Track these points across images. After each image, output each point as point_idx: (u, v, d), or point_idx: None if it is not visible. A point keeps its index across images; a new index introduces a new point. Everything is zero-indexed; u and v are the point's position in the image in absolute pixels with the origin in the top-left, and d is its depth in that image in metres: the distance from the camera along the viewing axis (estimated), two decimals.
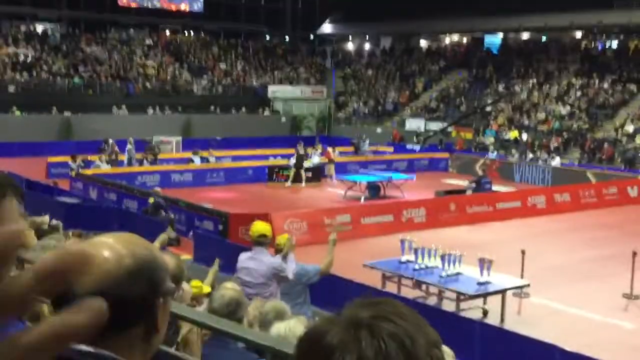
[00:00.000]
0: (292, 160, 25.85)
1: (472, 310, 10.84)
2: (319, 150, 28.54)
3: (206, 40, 48.02)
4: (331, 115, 44.03)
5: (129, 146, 26.70)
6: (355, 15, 48.53)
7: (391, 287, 11.62)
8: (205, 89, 42.29)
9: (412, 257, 11.70)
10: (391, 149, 34.45)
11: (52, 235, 5.60)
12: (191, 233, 15.98)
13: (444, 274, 11.06)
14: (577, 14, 37.51)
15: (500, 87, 39.98)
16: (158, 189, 18.18)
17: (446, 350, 3.57)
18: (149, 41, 44.85)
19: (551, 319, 11.40)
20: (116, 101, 37.94)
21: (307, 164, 26.08)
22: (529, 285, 11.61)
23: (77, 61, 39.72)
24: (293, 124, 42.29)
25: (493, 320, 10.82)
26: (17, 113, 34.69)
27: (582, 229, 19.00)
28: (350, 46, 53.39)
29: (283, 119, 42.36)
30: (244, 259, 7.58)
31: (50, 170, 25.47)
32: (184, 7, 48.09)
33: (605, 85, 36.28)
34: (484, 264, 10.78)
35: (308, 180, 25.36)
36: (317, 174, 26.05)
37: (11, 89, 35.98)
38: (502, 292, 11.08)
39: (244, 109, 41.80)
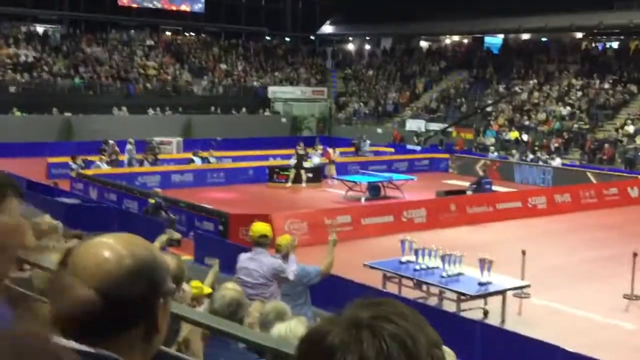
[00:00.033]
0: (292, 161, 25.87)
1: (472, 311, 10.83)
2: (320, 151, 28.55)
3: (207, 40, 48.05)
4: (332, 116, 44.04)
5: (129, 147, 26.71)
6: (356, 16, 48.55)
7: (392, 288, 11.61)
8: (205, 89, 42.30)
9: (412, 258, 11.70)
10: (392, 150, 34.45)
11: (52, 236, 5.59)
12: (191, 233, 15.98)
13: (444, 274, 11.06)
14: (578, 15, 37.52)
15: (501, 88, 39.98)
16: (158, 190, 18.18)
17: (447, 350, 3.56)
18: (149, 42, 44.87)
19: (552, 320, 11.39)
20: (117, 102, 37.95)
21: (307, 164, 26.09)
22: (529, 285, 11.60)
23: (77, 62, 39.74)
24: (293, 124, 42.29)
25: (494, 320, 10.82)
26: (18, 113, 34.69)
27: (582, 230, 19.00)
28: (350, 47, 53.42)
29: (283, 120, 42.36)
30: (243, 259, 7.58)
31: (51, 170, 25.48)
32: (184, 7, 48.10)
33: (606, 86, 36.28)
34: (485, 264, 10.78)
35: (308, 180, 25.36)
36: (318, 175, 26.05)
37: (12, 89, 35.98)
38: (503, 292, 11.08)
39: (244, 110, 41.80)
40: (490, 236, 17.59)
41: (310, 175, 25.60)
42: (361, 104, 44.27)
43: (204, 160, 26.80)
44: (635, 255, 12.32)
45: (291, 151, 26.85)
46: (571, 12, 37.13)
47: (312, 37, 53.98)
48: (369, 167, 28.06)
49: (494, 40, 46.66)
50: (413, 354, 1.01)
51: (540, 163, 29.21)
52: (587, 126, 33.68)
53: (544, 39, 44.03)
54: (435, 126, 38.43)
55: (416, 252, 11.63)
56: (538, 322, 11.08)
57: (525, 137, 34.04)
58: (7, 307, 1.57)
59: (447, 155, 32.03)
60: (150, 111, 38.24)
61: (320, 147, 29.80)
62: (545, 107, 36.34)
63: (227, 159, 28.44)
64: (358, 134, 35.56)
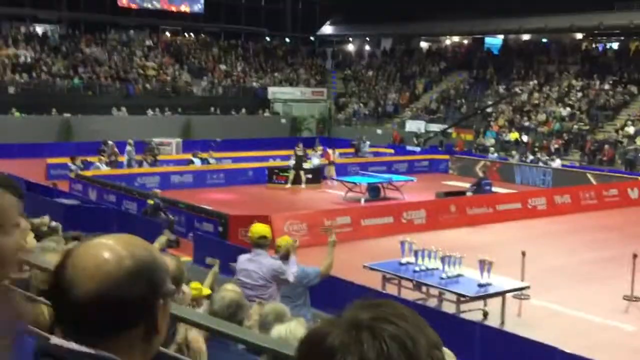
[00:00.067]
0: (291, 162, 25.88)
1: (472, 312, 10.83)
2: (319, 152, 28.55)
3: (206, 41, 48.06)
4: (331, 117, 44.05)
5: (128, 147, 26.70)
6: (356, 17, 48.60)
7: (391, 289, 11.61)
8: (205, 90, 42.31)
9: (412, 259, 11.70)
10: (391, 151, 34.46)
11: (52, 237, 5.59)
12: (191, 234, 15.98)
13: (444, 275, 11.06)
14: (578, 16, 37.55)
15: (501, 89, 39.99)
16: (157, 191, 18.18)
17: (447, 351, 3.56)
18: (148, 42, 44.88)
19: (551, 321, 11.39)
20: (116, 102, 37.95)
21: (307, 165, 26.10)
22: (529, 287, 11.59)
23: (76, 62, 39.75)
24: (293, 125, 42.30)
25: (493, 322, 10.82)
26: (17, 114, 34.69)
27: (582, 231, 19.01)
28: (350, 47, 53.45)
29: (283, 121, 42.37)
30: (243, 260, 7.57)
31: (50, 171, 25.47)
32: (184, 8, 48.11)
33: (606, 87, 36.30)
34: (484, 265, 10.77)
35: (308, 181, 25.37)
36: (317, 176, 26.05)
37: (11, 90, 35.98)
38: (503, 294, 11.08)
39: (244, 110, 41.81)
40: (490, 237, 17.60)
41: (309, 176, 25.61)
42: (361, 104, 44.28)
43: (204, 161, 26.80)
44: (635, 256, 12.32)
45: (291, 152, 26.86)
46: (571, 12, 37.15)
47: (312, 38, 54.01)
48: (368, 168, 28.06)
49: (494, 41, 46.69)
50: (413, 355, 1.01)
51: (540, 164, 29.22)
52: (587, 127, 33.69)
53: (544, 40, 44.07)
54: (435, 127, 38.44)
55: (416, 254, 11.63)
56: (538, 324, 11.08)
57: (525, 138, 34.05)
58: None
59: (447, 157, 32.04)
60: (150, 112, 38.25)
61: (320, 148, 29.82)
62: (546, 108, 36.35)
63: (226, 159, 28.45)
64: (358, 134, 35.57)
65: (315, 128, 42.76)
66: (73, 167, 23.54)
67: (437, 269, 11.34)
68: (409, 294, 11.27)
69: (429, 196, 21.96)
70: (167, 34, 48.15)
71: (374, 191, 23.27)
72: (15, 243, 1.68)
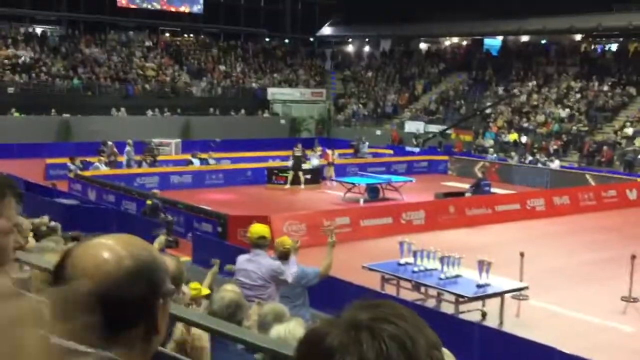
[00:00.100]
0: (290, 163, 25.89)
1: (471, 313, 10.83)
2: (319, 153, 28.55)
3: (205, 42, 48.05)
4: (330, 118, 44.05)
5: (127, 148, 26.68)
6: (355, 18, 48.62)
7: (390, 289, 11.61)
8: (204, 90, 42.29)
9: (411, 260, 11.70)
10: (390, 152, 34.46)
11: (51, 237, 5.59)
12: (190, 235, 15.97)
13: (443, 276, 11.06)
14: (577, 17, 37.57)
15: (500, 90, 40.01)
16: (156, 191, 18.18)
17: (446, 352, 3.56)
18: (148, 43, 44.88)
19: (550, 322, 11.39)
20: (115, 103, 37.94)
21: (306, 166, 26.10)
22: (527, 287, 11.59)
23: (76, 63, 39.73)
24: (292, 126, 42.30)
25: (492, 322, 10.82)
26: (16, 114, 34.68)
27: (581, 232, 19.01)
28: (349, 48, 53.45)
29: (282, 121, 42.37)
30: (242, 261, 7.57)
31: (49, 171, 25.45)
32: (183, 8, 48.09)
33: (605, 88, 36.32)
34: (483, 266, 10.78)
35: (307, 182, 25.36)
36: (316, 176, 26.05)
37: (10, 90, 35.97)
38: (501, 294, 11.08)
39: (243, 111, 41.79)
40: (488, 238, 17.60)
41: (308, 176, 25.61)
42: (360, 105, 44.29)
43: (203, 161, 26.79)
44: (633, 257, 12.33)
45: (290, 152, 26.87)
46: (570, 14, 37.17)
47: (311, 39, 54.00)
48: (367, 168, 28.06)
49: (493, 42, 46.71)
50: (412, 355, 1.01)
51: (539, 165, 29.23)
52: (586, 128, 33.70)
53: (543, 41, 44.09)
54: (434, 128, 38.45)
55: (415, 254, 11.63)
56: (536, 325, 11.08)
57: (524, 139, 34.06)
58: None
59: (446, 157, 32.06)
60: (149, 112, 38.23)
61: (320, 148, 29.81)
62: (544, 109, 36.37)
63: (225, 160, 28.44)
64: (357, 135, 35.57)
65: (314, 129, 42.76)
66: (72, 167, 23.53)
67: (436, 269, 11.34)
68: (408, 295, 11.27)
69: (428, 197, 21.96)
70: (167, 34, 48.13)
71: (373, 192, 23.27)
72: (13, 242, 1.68)
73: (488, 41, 46.94)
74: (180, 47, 46.10)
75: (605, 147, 31.15)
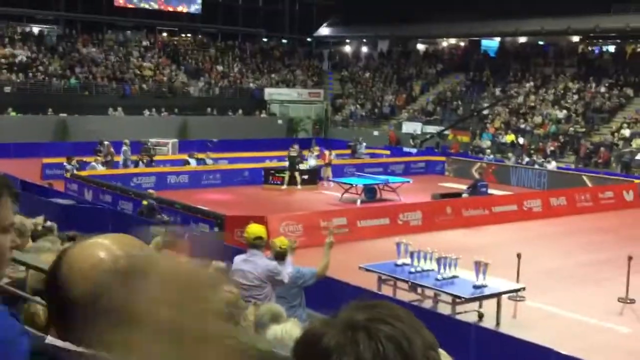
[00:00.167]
0: (286, 163, 25.93)
1: (467, 314, 10.83)
2: (316, 153, 28.56)
3: (203, 42, 48.05)
4: (328, 118, 44.06)
5: (124, 148, 26.66)
6: (353, 19, 48.63)
7: (387, 290, 11.60)
8: (201, 90, 42.28)
9: (408, 260, 11.70)
10: (388, 152, 34.47)
11: (47, 237, 5.58)
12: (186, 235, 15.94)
13: (439, 277, 11.06)
14: (574, 18, 37.61)
15: (497, 91, 40.06)
16: (152, 191, 18.17)
17: (443, 353, 3.56)
18: (145, 43, 44.85)
19: (547, 323, 11.40)
20: (112, 102, 37.90)
21: (303, 166, 26.11)
22: (524, 288, 11.60)
23: (73, 62, 39.70)
24: (290, 126, 42.30)
25: (489, 323, 10.82)
26: (13, 114, 34.64)
27: (578, 233, 19.03)
28: (347, 49, 53.48)
29: (280, 122, 42.37)
30: (238, 261, 7.57)
31: (45, 171, 25.43)
32: (181, 8, 48.09)
33: (602, 89, 36.37)
34: (480, 267, 10.78)
35: (304, 182, 25.36)
36: (314, 177, 26.05)
37: (7, 89, 35.93)
38: (498, 295, 11.09)
39: (240, 111, 41.78)
40: (485, 239, 17.61)
41: (306, 177, 25.62)
42: (357, 106, 44.31)
43: (200, 161, 26.78)
44: (630, 258, 12.34)
45: (286, 153, 26.87)
46: (568, 15, 37.22)
47: (309, 39, 54.01)
48: (364, 169, 28.06)
49: (491, 43, 46.75)
50: (409, 356, 1.01)
51: (536, 166, 29.25)
52: (583, 129, 33.75)
53: (540, 42, 44.14)
54: (432, 129, 38.48)
55: (411, 255, 11.63)
56: (533, 325, 11.08)
57: (521, 140, 34.09)
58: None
59: (443, 158, 32.08)
60: (146, 112, 38.20)
61: (317, 148, 29.82)
62: (542, 110, 36.41)
63: (223, 160, 28.44)
64: (354, 136, 35.58)
65: (311, 129, 42.77)
66: (69, 167, 23.50)
67: (432, 270, 11.34)
68: (405, 295, 11.27)
69: (425, 198, 21.97)
70: (164, 34, 48.11)
71: (370, 192, 23.28)
72: (10, 242, 1.68)
73: (485, 42, 46.99)
74: (177, 47, 46.08)
75: (602, 149, 31.19)
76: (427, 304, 11.41)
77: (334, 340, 1.01)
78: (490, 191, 23.31)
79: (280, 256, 7.71)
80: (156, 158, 27.96)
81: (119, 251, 1.30)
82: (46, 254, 3.64)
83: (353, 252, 14.73)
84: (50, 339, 1.29)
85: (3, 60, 37.43)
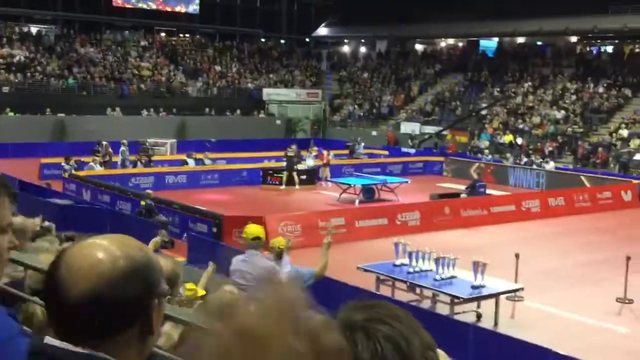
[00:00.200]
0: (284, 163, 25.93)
1: (466, 314, 10.84)
2: (315, 153, 28.55)
3: (201, 42, 48.02)
4: (326, 118, 44.05)
5: (122, 148, 26.64)
6: (351, 19, 48.63)
7: (385, 290, 11.61)
8: (200, 91, 42.26)
9: (406, 261, 11.70)
10: (386, 152, 34.47)
11: (45, 237, 5.58)
12: (185, 235, 15.95)
13: (438, 277, 11.06)
14: (572, 19, 37.63)
15: (496, 91, 40.06)
16: (150, 191, 18.16)
17: (441, 353, 3.56)
18: (143, 43, 44.81)
19: (545, 323, 11.41)
20: (110, 102, 37.87)
21: (301, 166, 26.10)
22: (522, 289, 11.61)
23: (71, 62, 39.67)
24: (288, 126, 42.29)
25: (487, 323, 10.82)
26: (11, 114, 34.60)
27: (576, 233, 19.04)
28: (345, 49, 53.47)
29: (278, 122, 42.37)
30: (237, 261, 7.57)
31: (43, 171, 25.40)
32: (179, 8, 48.07)
33: (600, 90, 36.39)
34: (478, 267, 10.79)
35: (302, 183, 25.36)
36: (312, 177, 26.05)
37: (5, 89, 35.89)
38: (496, 295, 11.09)
39: (238, 112, 41.77)
40: (484, 239, 17.61)
41: (304, 177, 25.61)
42: (356, 106, 44.31)
43: (198, 161, 26.76)
44: (628, 258, 12.35)
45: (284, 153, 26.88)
46: (566, 15, 37.23)
47: (307, 39, 54.00)
48: (363, 169, 28.06)
49: (489, 44, 46.76)
50: (407, 356, 1.01)
51: (534, 166, 29.26)
52: (581, 130, 33.77)
53: (538, 43, 44.14)
54: (430, 129, 38.49)
55: (410, 255, 11.63)
56: (531, 326, 11.09)
57: (519, 141, 34.11)
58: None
59: (441, 158, 32.09)
60: (144, 112, 38.17)
61: (316, 149, 29.82)
62: (540, 110, 36.42)
63: (221, 160, 28.43)
64: (353, 136, 35.58)
65: (310, 129, 42.77)
66: (67, 167, 23.47)
67: (431, 270, 11.35)
68: (403, 296, 11.28)
69: (423, 198, 21.97)
70: (162, 34, 48.07)
71: (368, 193, 23.28)
72: (8, 242, 1.68)
73: (484, 42, 47.01)
74: (175, 47, 46.05)
75: (600, 149, 31.21)
76: (426, 304, 11.41)
77: None
78: (488, 191, 23.29)
79: (277, 256, 7.72)
80: (154, 158, 27.94)
81: (118, 252, 1.30)
82: (44, 254, 3.64)
83: (351, 252, 14.73)
84: (48, 340, 1.28)
85: (1, 60, 37.40)
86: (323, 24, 52.69)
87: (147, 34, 46.25)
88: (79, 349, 1.25)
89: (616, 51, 40.59)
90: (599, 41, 42.84)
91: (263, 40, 51.73)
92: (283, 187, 25.01)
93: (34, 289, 2.98)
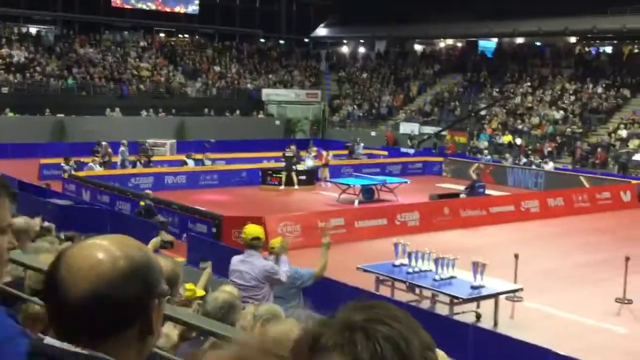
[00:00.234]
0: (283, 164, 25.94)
1: (465, 314, 10.84)
2: (313, 154, 28.56)
3: (200, 42, 48.02)
4: (325, 119, 44.06)
5: (122, 148, 26.65)
6: (350, 19, 48.65)
7: (384, 291, 11.61)
8: (199, 91, 42.26)
9: (405, 261, 11.70)
10: (385, 153, 34.47)
11: (45, 238, 5.58)
12: (184, 235, 15.95)
13: (437, 277, 11.06)
14: (572, 19, 37.65)
15: (495, 92, 40.08)
16: (149, 191, 18.15)
17: (440, 353, 3.56)
18: (143, 43, 44.82)
19: (544, 323, 11.41)
20: (110, 103, 37.87)
21: (301, 167, 26.10)
22: (522, 289, 11.61)
23: (70, 63, 39.67)
24: (287, 127, 42.29)
25: (486, 324, 10.82)
26: (10, 114, 34.59)
27: (575, 234, 19.04)
28: (344, 49, 53.48)
29: (277, 122, 42.37)
30: (236, 262, 7.57)
31: (43, 171, 25.39)
32: (178, 9, 48.06)
33: (599, 90, 36.42)
34: (478, 267, 10.79)
35: (302, 183, 25.36)
36: (311, 177, 26.05)
37: (4, 90, 35.88)
38: (496, 296, 11.10)
39: (238, 112, 41.77)
40: (483, 240, 17.62)
41: (303, 177, 25.61)
42: (355, 106, 44.31)
43: (197, 162, 26.77)
44: (627, 259, 12.35)
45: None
46: (565, 16, 37.26)
47: (307, 40, 54.02)
48: (362, 170, 28.07)
49: (488, 44, 46.79)
50: (406, 356, 1.01)
51: (534, 167, 29.27)
52: (580, 130, 33.78)
53: (538, 43, 44.17)
54: (429, 129, 38.51)
55: (409, 255, 11.63)
56: (531, 326, 11.09)
57: (518, 141, 34.12)
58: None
59: (440, 159, 32.09)
60: (144, 112, 38.16)
61: (315, 149, 29.84)
62: (539, 111, 36.44)
63: (220, 161, 28.43)
64: (352, 137, 35.58)
65: (309, 130, 42.77)
66: (66, 167, 23.48)
67: (430, 270, 11.35)
68: (402, 296, 11.28)
69: (422, 198, 21.97)
70: (162, 35, 48.08)
71: (367, 193, 23.28)
72: (8, 242, 1.68)
73: (483, 43, 47.05)
74: (175, 48, 46.05)
75: (599, 149, 31.23)
76: (425, 304, 11.42)
77: (331, 340, 1.02)
78: (487, 192, 23.30)
79: (276, 256, 7.73)
80: (154, 158, 27.94)
81: (117, 252, 1.30)
82: (45, 254, 3.64)
83: (351, 253, 14.73)
84: (48, 340, 1.29)
85: (0, 61, 37.37)
86: (322, 25, 52.70)
87: (147, 34, 46.27)
88: (78, 349, 1.25)
89: (615, 52, 40.63)
90: (598, 42, 42.90)
91: (262, 40, 51.74)
92: (282, 187, 25.02)
93: (34, 289, 2.99)
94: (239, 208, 20.22)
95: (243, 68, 46.49)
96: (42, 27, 43.93)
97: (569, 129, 34.02)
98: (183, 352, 3.79)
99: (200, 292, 5.98)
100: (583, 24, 38.04)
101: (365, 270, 11.91)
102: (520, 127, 35.49)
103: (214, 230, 16.09)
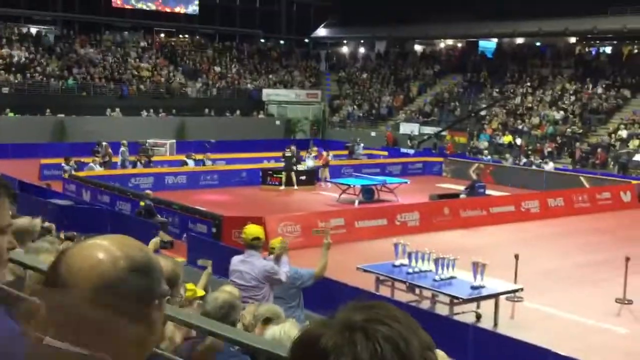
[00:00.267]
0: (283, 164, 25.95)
1: (465, 314, 10.84)
2: (313, 154, 28.57)
3: (201, 42, 48.03)
4: (325, 119, 44.07)
5: (122, 148, 26.66)
6: (350, 19, 48.66)
7: (384, 291, 11.61)
8: (199, 91, 42.27)
9: (405, 261, 11.70)
10: (385, 153, 34.48)
11: (45, 238, 5.58)
12: (185, 235, 15.95)
13: (437, 277, 11.07)
14: (572, 20, 37.67)
15: (495, 92, 40.08)
16: (149, 192, 18.16)
17: (440, 353, 3.56)
18: (143, 43, 44.84)
19: (544, 324, 11.41)
20: (110, 103, 37.89)
21: (301, 167, 26.11)
22: (522, 289, 11.62)
23: (71, 63, 39.67)
24: (287, 127, 42.30)
25: (486, 324, 10.83)
26: (11, 114, 34.60)
27: (575, 234, 19.04)
28: (344, 50, 53.49)
29: (277, 122, 42.37)
30: (236, 262, 7.57)
31: (43, 172, 25.39)
32: (178, 9, 48.07)
33: (599, 91, 36.42)
34: (478, 268, 10.79)
35: (302, 183, 25.36)
36: (311, 177, 26.05)
37: (5, 90, 35.89)
38: (496, 296, 11.10)
39: (238, 112, 41.78)
40: (483, 240, 17.62)
41: (303, 177, 25.62)
42: (355, 107, 44.32)
43: (198, 162, 26.78)
44: (627, 259, 12.35)
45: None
46: (565, 16, 37.28)
47: (307, 40, 54.03)
48: (362, 170, 28.07)
49: (488, 44, 46.79)
50: (406, 357, 1.01)
51: (534, 167, 29.28)
52: (580, 131, 33.79)
53: (538, 43, 44.19)
54: (429, 130, 38.52)
55: (409, 256, 11.63)
56: (531, 326, 11.09)
57: (518, 141, 34.12)
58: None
59: (440, 159, 32.09)
60: (144, 113, 38.17)
61: (315, 149, 29.84)
62: (539, 111, 36.45)
63: (220, 161, 28.44)
64: (352, 137, 35.59)
65: (309, 130, 42.78)
66: (67, 167, 23.48)
67: (430, 271, 11.35)
68: (402, 296, 11.28)
69: (422, 198, 21.98)
70: (162, 35, 48.09)
71: (367, 193, 23.28)
72: (7, 243, 1.68)
73: (483, 43, 47.05)
74: (175, 48, 46.07)
75: (599, 150, 31.24)
76: (425, 304, 11.42)
77: (331, 340, 1.02)
78: (487, 192, 23.32)
79: (276, 256, 7.73)
80: (154, 159, 27.95)
81: (118, 252, 1.30)
82: (45, 254, 3.64)
83: (351, 253, 14.74)
84: (48, 340, 1.29)
85: (0, 61, 37.38)
86: (322, 25, 52.71)
87: (147, 34, 46.28)
88: (78, 350, 1.25)
89: (615, 52, 40.64)
90: (598, 42, 42.89)
91: (262, 40, 51.75)
92: (282, 187, 25.02)
93: (34, 289, 2.98)
94: (239, 208, 20.22)
95: (243, 68, 46.51)
96: (43, 27, 43.94)
97: (569, 129, 34.03)
98: (183, 351, 3.79)
99: (200, 292, 5.98)
100: (583, 25, 38.07)
101: (365, 271, 11.91)
102: (520, 127, 35.49)
103: (214, 230, 16.10)
